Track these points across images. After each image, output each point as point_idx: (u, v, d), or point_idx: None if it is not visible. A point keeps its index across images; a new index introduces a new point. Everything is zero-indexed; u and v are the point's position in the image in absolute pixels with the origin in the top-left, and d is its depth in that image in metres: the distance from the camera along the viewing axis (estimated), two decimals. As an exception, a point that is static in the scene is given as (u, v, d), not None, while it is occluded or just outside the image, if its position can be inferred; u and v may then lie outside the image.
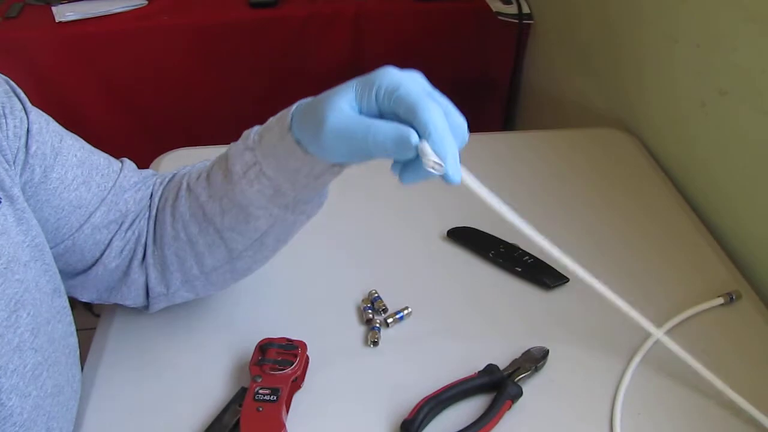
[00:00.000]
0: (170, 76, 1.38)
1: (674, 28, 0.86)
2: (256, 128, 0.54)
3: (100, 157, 0.57)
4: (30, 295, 0.47)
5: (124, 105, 1.39)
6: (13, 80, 0.53)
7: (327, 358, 0.61)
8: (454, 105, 0.44)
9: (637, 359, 0.61)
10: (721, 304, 0.67)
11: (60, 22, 1.29)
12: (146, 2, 1.37)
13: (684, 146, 0.86)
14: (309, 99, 0.50)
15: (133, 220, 0.59)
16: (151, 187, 0.60)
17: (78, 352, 0.55)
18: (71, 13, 1.30)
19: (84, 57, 1.31)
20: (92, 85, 1.34)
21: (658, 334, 0.60)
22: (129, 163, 0.61)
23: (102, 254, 0.57)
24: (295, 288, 0.69)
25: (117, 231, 0.57)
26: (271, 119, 0.53)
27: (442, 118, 0.42)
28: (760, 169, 0.72)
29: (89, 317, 1.77)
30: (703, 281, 0.69)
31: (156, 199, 0.60)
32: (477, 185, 0.44)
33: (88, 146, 0.57)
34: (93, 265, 0.58)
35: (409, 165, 0.43)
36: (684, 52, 0.84)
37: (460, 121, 0.44)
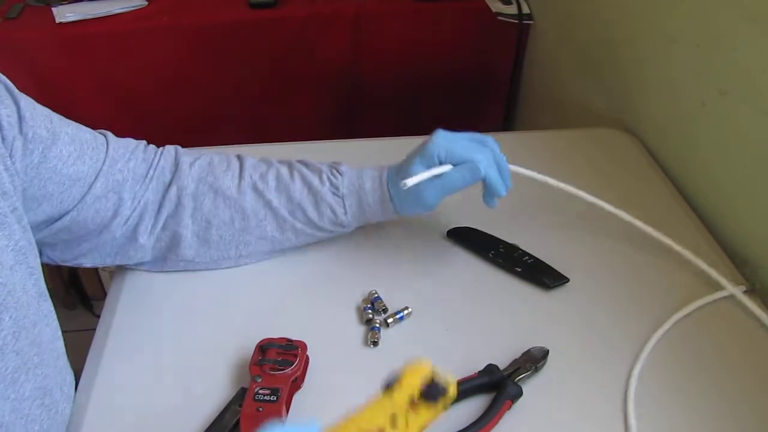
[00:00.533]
0: (170, 77, 1.38)
1: (674, 27, 0.86)
2: (345, 190, 0.67)
3: (86, 133, 0.61)
4: (12, 299, 0.47)
5: (124, 105, 1.39)
6: (13, 81, 0.54)
7: (327, 358, 0.61)
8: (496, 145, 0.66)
9: (640, 358, 0.61)
10: (744, 291, 0.67)
11: (60, 23, 1.29)
12: (146, 3, 1.37)
13: (684, 146, 0.86)
14: (394, 173, 0.67)
15: (136, 190, 0.63)
16: (146, 159, 0.66)
17: (66, 356, 0.55)
18: (71, 14, 1.30)
19: (84, 58, 1.31)
20: (92, 85, 1.34)
21: (733, 290, 0.65)
22: (110, 135, 0.65)
23: (110, 222, 0.62)
24: (295, 288, 0.69)
25: (120, 200, 0.62)
26: (363, 193, 0.67)
27: (491, 162, 0.64)
28: (760, 169, 0.72)
29: (89, 317, 1.77)
30: (703, 281, 0.69)
31: (189, 180, 0.66)
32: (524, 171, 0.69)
33: (69, 121, 0.60)
34: (100, 233, 0.62)
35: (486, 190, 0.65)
36: (684, 52, 0.84)
37: (500, 157, 0.66)
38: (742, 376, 0.60)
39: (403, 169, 0.65)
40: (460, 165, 0.63)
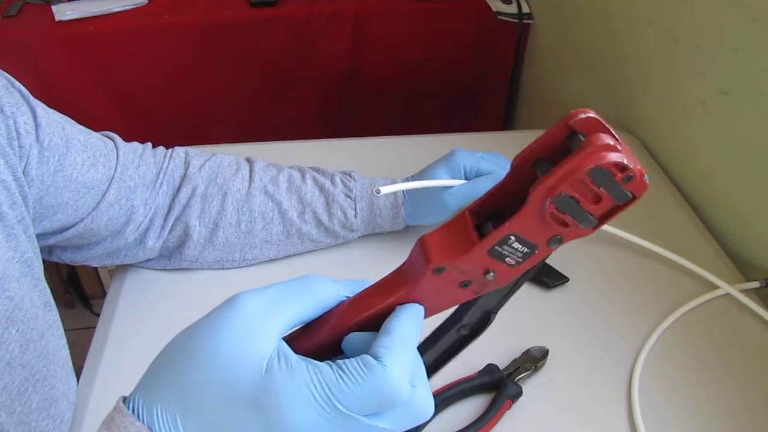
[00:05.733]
0: (170, 75, 1.38)
1: (674, 27, 0.86)
2: (358, 193, 0.69)
3: (96, 139, 0.61)
4: (20, 312, 0.47)
5: (123, 103, 1.39)
6: None
7: (327, 357, 0.61)
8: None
9: (641, 357, 0.61)
10: (756, 288, 0.67)
11: (60, 20, 1.29)
12: (146, 1, 1.37)
13: (684, 146, 0.86)
14: (408, 190, 0.68)
15: (147, 196, 0.64)
16: (156, 163, 0.66)
17: (71, 364, 0.56)
18: (71, 12, 1.30)
19: (84, 56, 1.31)
20: (92, 84, 1.34)
21: (728, 288, 0.65)
22: (118, 139, 0.65)
23: (122, 228, 0.62)
24: (295, 287, 0.69)
25: (132, 207, 0.62)
26: (375, 197, 0.69)
27: None
28: (760, 168, 0.72)
29: (89, 317, 1.77)
30: (703, 280, 0.69)
31: (199, 181, 0.66)
32: None
33: (80, 127, 0.60)
34: (113, 239, 0.62)
35: None
36: (684, 52, 0.84)
37: None
38: (742, 369, 0.61)
39: (424, 177, 0.68)
40: (485, 176, 0.67)
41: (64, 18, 1.29)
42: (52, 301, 0.53)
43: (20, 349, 0.47)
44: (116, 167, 0.60)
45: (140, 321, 0.66)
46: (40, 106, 0.53)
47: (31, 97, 0.53)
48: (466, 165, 0.67)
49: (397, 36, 1.40)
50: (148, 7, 1.36)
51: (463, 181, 0.67)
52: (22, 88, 0.52)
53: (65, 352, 0.54)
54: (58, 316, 0.54)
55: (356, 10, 1.36)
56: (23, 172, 0.50)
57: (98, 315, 0.67)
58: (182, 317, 0.68)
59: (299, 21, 1.35)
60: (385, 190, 0.62)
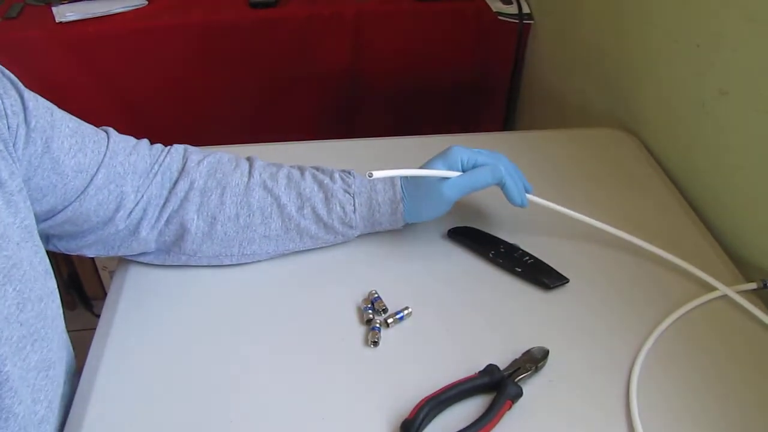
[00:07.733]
0: (170, 76, 1.38)
1: (674, 27, 0.86)
2: (356, 189, 0.70)
3: (87, 127, 0.62)
4: (18, 272, 0.49)
5: (123, 104, 1.39)
6: None
7: (327, 358, 0.61)
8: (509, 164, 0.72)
9: (640, 357, 0.61)
10: (754, 290, 0.67)
11: (60, 22, 1.29)
12: (146, 2, 1.37)
13: (684, 146, 0.86)
14: (406, 185, 0.70)
15: (138, 184, 0.64)
16: (151, 155, 0.67)
17: (67, 335, 0.57)
18: (71, 14, 1.30)
19: (84, 57, 1.31)
20: (92, 85, 1.34)
21: (726, 290, 0.65)
22: (112, 131, 0.66)
23: (113, 215, 0.63)
24: (296, 288, 0.69)
25: (122, 193, 0.62)
26: (374, 192, 0.70)
27: (508, 171, 0.68)
28: (760, 169, 0.72)
29: (89, 317, 1.77)
30: (703, 280, 0.69)
31: (197, 175, 0.67)
32: (543, 202, 0.72)
33: (71, 116, 0.61)
34: (105, 225, 0.63)
35: (505, 190, 0.69)
36: (684, 52, 0.84)
37: (514, 165, 0.72)
38: (740, 370, 0.61)
39: (430, 181, 0.68)
40: (481, 167, 0.67)
41: (64, 19, 1.29)
42: (51, 270, 0.55)
43: (17, 306, 0.48)
44: (105, 153, 0.62)
45: (141, 322, 0.66)
46: (29, 92, 0.55)
47: (21, 85, 0.55)
48: (463, 159, 0.67)
49: (397, 37, 1.40)
50: (149, 9, 1.36)
51: (459, 173, 0.67)
52: (12, 76, 0.54)
53: (62, 322, 0.56)
54: (56, 285, 0.56)
55: (356, 11, 1.36)
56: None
57: (99, 316, 0.67)
58: (182, 318, 0.69)
59: (299, 22, 1.35)
60: (378, 174, 0.62)
